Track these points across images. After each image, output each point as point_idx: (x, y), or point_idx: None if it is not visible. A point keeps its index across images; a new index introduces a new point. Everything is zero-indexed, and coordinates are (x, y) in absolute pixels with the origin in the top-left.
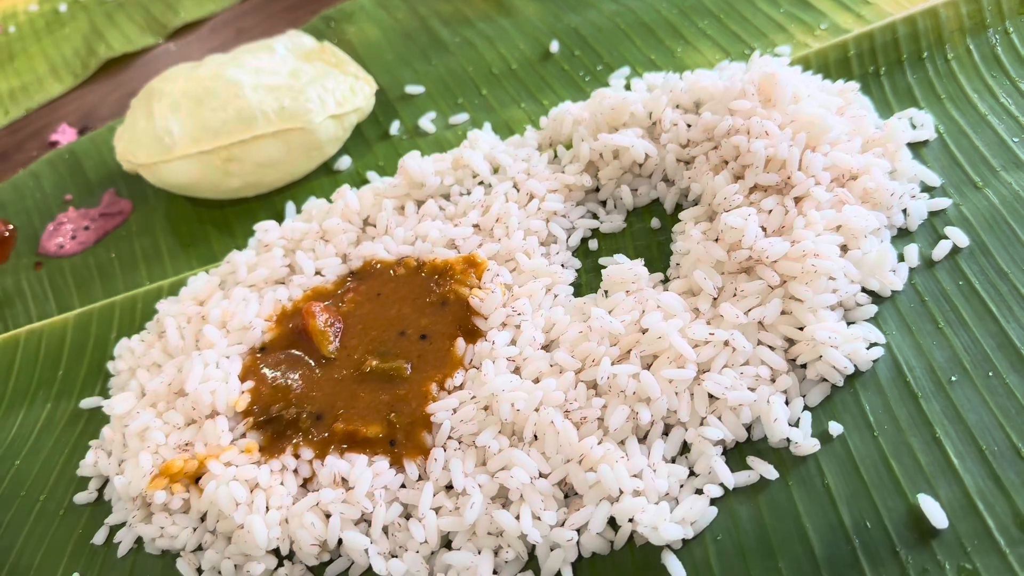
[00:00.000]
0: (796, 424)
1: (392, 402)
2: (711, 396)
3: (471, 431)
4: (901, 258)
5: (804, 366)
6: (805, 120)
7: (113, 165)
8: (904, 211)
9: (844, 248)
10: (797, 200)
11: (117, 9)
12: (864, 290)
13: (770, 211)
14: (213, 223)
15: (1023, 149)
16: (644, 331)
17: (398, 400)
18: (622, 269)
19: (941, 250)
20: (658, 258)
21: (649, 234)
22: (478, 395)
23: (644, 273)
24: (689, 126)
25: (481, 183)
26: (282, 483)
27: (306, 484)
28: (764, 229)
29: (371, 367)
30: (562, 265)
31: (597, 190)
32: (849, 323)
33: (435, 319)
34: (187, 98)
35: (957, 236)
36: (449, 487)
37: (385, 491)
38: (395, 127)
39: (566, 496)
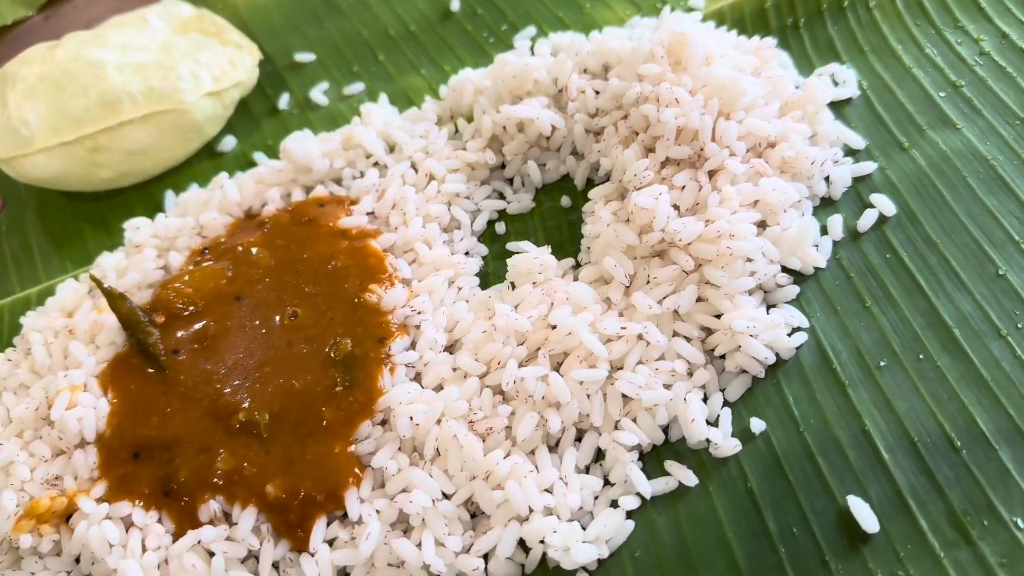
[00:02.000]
0: (716, 422)
1: None
2: (625, 397)
3: (366, 451)
4: (824, 231)
5: (723, 357)
6: (718, 84)
7: None
8: (826, 179)
9: (762, 224)
10: (711, 174)
11: None
12: (785, 269)
13: (683, 187)
14: (88, 219)
15: (950, 105)
16: (553, 327)
17: None
18: (527, 259)
19: (867, 220)
20: (569, 241)
21: (559, 214)
22: (373, 409)
23: (551, 262)
24: (597, 93)
25: (376, 164)
26: (159, 520)
27: (186, 520)
28: (677, 208)
29: (239, 422)
30: (467, 253)
31: (503, 167)
32: (770, 307)
33: (319, 318)
34: (44, 83)
35: (883, 204)
36: (344, 516)
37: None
38: (284, 100)
39: (473, 516)
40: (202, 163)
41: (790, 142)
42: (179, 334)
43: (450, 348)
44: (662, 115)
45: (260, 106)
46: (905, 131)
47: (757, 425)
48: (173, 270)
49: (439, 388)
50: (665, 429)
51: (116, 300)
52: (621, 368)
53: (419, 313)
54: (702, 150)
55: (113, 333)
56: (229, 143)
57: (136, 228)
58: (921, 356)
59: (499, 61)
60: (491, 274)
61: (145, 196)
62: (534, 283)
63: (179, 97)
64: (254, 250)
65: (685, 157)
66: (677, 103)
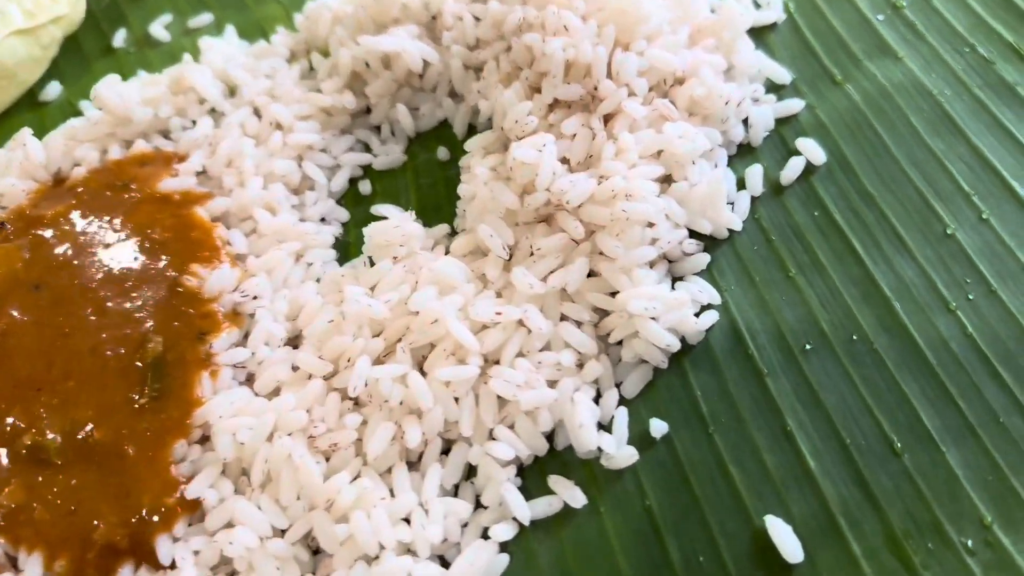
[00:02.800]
0: (609, 426)
1: None
2: (500, 399)
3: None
4: (741, 185)
5: (619, 344)
6: (614, 7)
7: None
8: (744, 121)
9: (667, 180)
10: (606, 119)
11: None
12: (693, 234)
13: (573, 136)
14: None
15: (889, 29)
16: (415, 314)
17: None
18: (387, 227)
19: (792, 171)
20: (448, 202)
21: (436, 169)
22: (188, 425)
23: (416, 231)
24: (478, 20)
25: (212, 111)
26: None
27: None
28: (567, 161)
29: (24, 447)
30: (322, 219)
31: (367, 112)
32: (675, 280)
33: (130, 311)
34: None
35: (811, 150)
36: (151, 559)
37: None
38: (120, 37)
39: (316, 553)
40: (21, 115)
41: (700, 78)
42: None
43: (293, 341)
44: (548, 46)
45: (91, 45)
46: (838, 61)
47: (658, 427)
48: None
49: (275, 394)
50: (550, 436)
51: None
52: (497, 362)
53: (253, 299)
54: (596, 89)
55: None
56: (53, 90)
57: None
58: (855, 336)
59: None
60: (353, 244)
61: None
62: (395, 258)
63: None
64: (59, 226)
65: (576, 98)
66: (566, 31)
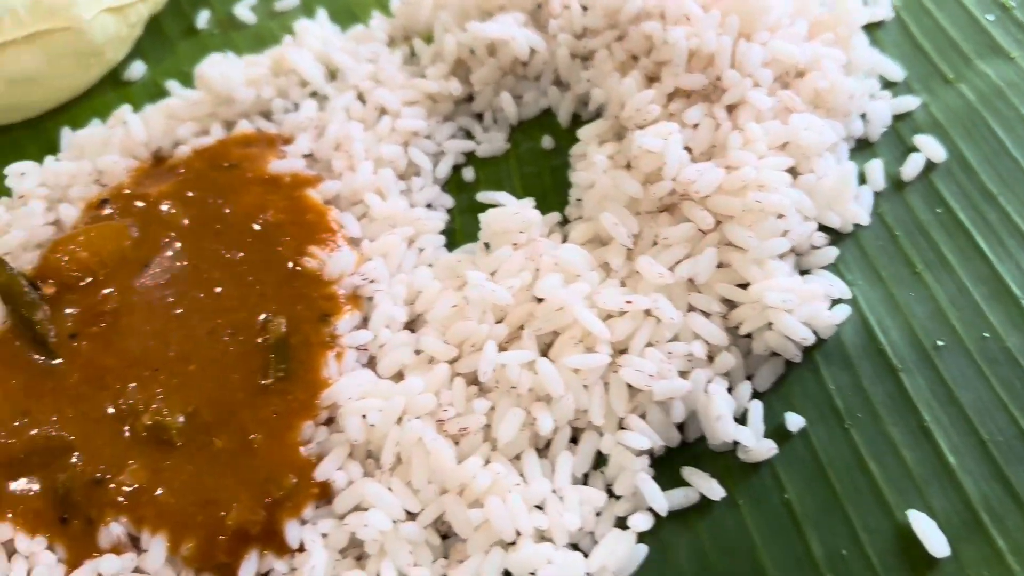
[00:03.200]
0: (743, 419)
1: None
2: (631, 388)
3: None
4: (862, 180)
5: (749, 337)
6: None
7: None
8: (863, 116)
9: (792, 172)
10: (730, 109)
11: None
12: (820, 227)
13: (695, 125)
14: None
15: (1000, 30)
16: (539, 301)
17: None
18: (505, 213)
19: (912, 167)
20: (553, 191)
21: (540, 157)
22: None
23: (535, 218)
24: (585, 9)
25: (314, 94)
26: (49, 547)
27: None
28: (689, 151)
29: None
30: (428, 205)
31: (470, 99)
32: (802, 273)
33: (246, 292)
34: None
35: (930, 147)
36: (276, 542)
37: None
38: (203, 18)
39: (445, 538)
40: (105, 94)
41: (823, 71)
42: (73, 311)
43: (411, 325)
44: (669, 35)
45: (174, 25)
46: (949, 60)
47: (794, 421)
48: (66, 227)
49: (398, 377)
50: (680, 427)
51: None
52: (625, 352)
53: (372, 282)
54: (719, 79)
55: None
56: (137, 70)
57: (20, 175)
58: (986, 334)
59: None
60: (458, 231)
61: (38, 134)
62: (514, 244)
63: (72, 13)
64: (164, 205)
65: (698, 88)
66: (687, 20)
